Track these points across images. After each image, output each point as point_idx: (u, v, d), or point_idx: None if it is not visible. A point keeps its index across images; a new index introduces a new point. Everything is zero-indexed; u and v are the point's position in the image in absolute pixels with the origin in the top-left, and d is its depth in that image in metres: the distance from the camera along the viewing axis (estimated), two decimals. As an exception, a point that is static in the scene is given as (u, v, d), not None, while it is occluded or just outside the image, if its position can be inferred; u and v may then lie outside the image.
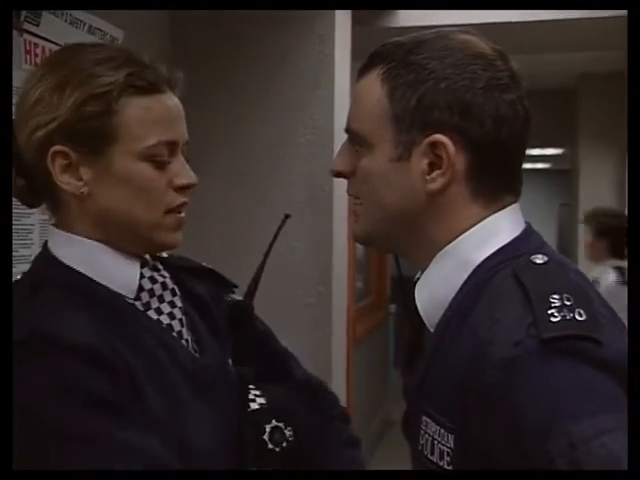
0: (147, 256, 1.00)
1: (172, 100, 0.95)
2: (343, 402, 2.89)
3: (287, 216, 1.19)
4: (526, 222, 0.86)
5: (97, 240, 0.93)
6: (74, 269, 0.93)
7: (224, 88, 2.57)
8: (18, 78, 1.68)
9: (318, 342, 2.57)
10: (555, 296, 0.72)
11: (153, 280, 0.96)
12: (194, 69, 2.64)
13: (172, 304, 0.98)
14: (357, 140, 0.85)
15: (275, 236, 1.18)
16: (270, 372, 1.11)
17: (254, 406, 1.01)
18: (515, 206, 0.85)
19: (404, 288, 0.90)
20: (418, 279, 0.85)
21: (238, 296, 1.15)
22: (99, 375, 0.84)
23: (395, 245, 0.88)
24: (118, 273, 0.94)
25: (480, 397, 0.71)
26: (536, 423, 0.67)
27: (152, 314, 0.95)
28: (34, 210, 1.75)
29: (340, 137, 3.08)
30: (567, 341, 0.69)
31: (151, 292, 0.95)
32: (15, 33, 1.65)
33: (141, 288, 0.94)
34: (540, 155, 7.79)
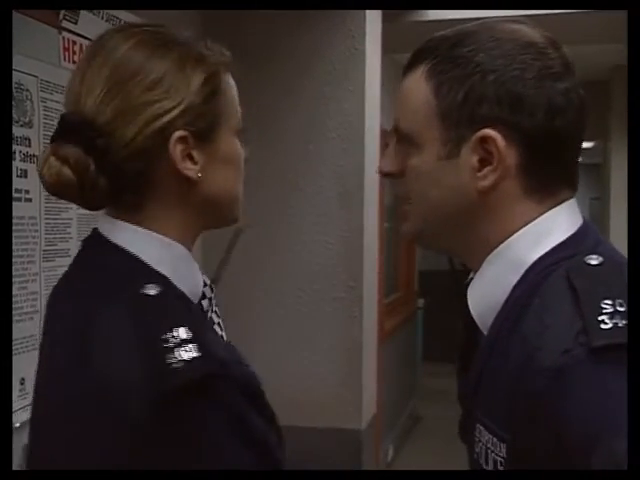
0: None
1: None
2: (373, 397, 2.91)
3: (240, 230, 1.13)
4: (584, 218, 0.82)
5: (179, 241, 0.87)
6: (160, 272, 0.84)
7: (255, 83, 2.59)
8: (57, 76, 1.73)
9: (349, 336, 2.58)
10: (607, 301, 0.68)
11: (212, 288, 0.92)
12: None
13: (217, 314, 0.94)
14: (405, 140, 0.82)
15: (228, 250, 1.13)
16: None
17: None
18: (572, 201, 0.81)
19: (458, 287, 0.88)
20: (471, 279, 0.83)
21: None
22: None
23: (447, 245, 0.86)
24: (191, 277, 0.87)
25: (528, 405, 0.69)
26: (581, 436, 0.65)
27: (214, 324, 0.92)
28: (72, 205, 1.80)
29: (371, 131, 3.08)
30: (618, 350, 0.65)
31: (210, 301, 0.91)
32: (54, 31, 1.68)
33: (203, 295, 0.89)
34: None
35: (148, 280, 0.81)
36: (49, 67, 1.63)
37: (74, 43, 1.76)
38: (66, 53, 1.73)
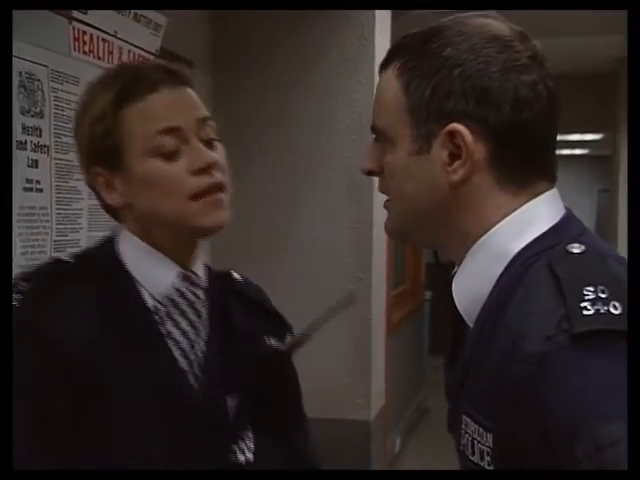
0: (203, 272, 1.03)
1: (170, 95, 1.00)
2: (382, 388, 2.91)
3: (352, 298, 1.16)
4: (566, 208, 0.82)
5: (150, 243, 0.99)
6: (123, 265, 0.99)
7: (265, 74, 2.58)
8: (68, 65, 1.73)
9: (357, 328, 2.58)
10: (589, 288, 0.68)
11: (181, 294, 0.99)
12: (236, 54, 2.66)
13: (191, 324, 1.00)
14: (381, 137, 0.83)
15: (333, 313, 1.13)
16: (277, 428, 1.09)
17: (240, 458, 1.02)
18: (552, 192, 0.81)
19: (445, 280, 0.88)
20: (455, 273, 0.83)
21: (281, 345, 1.13)
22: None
23: (429, 239, 0.87)
24: (151, 275, 0.99)
25: (512, 393, 0.69)
26: (564, 423, 0.64)
27: (169, 325, 0.98)
28: (83, 195, 1.81)
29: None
30: (600, 336, 0.65)
31: (174, 303, 0.99)
32: (65, 21, 1.68)
33: (168, 297, 0.98)
34: (579, 141, 7.66)
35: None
36: (59, 57, 1.63)
37: (84, 33, 1.75)
38: (76, 43, 1.72)
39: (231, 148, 2.59)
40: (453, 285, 0.82)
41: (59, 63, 1.66)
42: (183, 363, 0.98)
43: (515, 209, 0.78)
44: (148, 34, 2.05)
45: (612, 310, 0.67)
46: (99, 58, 1.81)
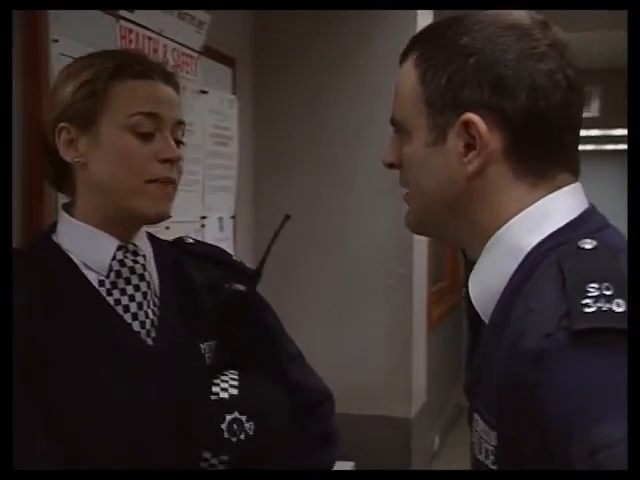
0: (144, 243, 1.10)
1: (161, 87, 1.08)
2: (423, 385, 2.89)
3: (287, 217, 1.18)
4: (590, 204, 0.79)
5: (91, 223, 1.06)
6: (59, 245, 1.06)
7: (307, 73, 2.58)
8: (114, 63, 1.74)
9: (399, 324, 2.57)
10: (594, 285, 0.65)
11: (122, 263, 1.06)
12: (277, 49, 2.66)
13: (136, 288, 1.06)
14: (399, 129, 0.82)
15: (275, 236, 1.17)
16: (264, 365, 1.14)
17: (223, 395, 1.06)
18: (573, 186, 0.78)
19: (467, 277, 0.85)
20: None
21: (240, 286, 1.17)
22: None
23: (447, 233, 0.84)
24: (91, 252, 1.05)
25: (511, 391, 0.67)
26: (560, 424, 0.62)
27: (116, 294, 1.04)
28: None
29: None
30: (601, 334, 0.62)
31: (118, 273, 1.05)
32: (112, 19, 1.70)
33: (111, 268, 1.05)
34: (610, 136, 7.52)
35: None
36: (107, 55, 1.65)
37: (130, 31, 1.77)
38: (123, 41, 1.74)
39: (271, 145, 2.61)
40: (469, 281, 0.80)
41: (107, 61, 1.67)
42: (135, 324, 1.04)
43: (532, 203, 0.76)
44: (192, 32, 2.07)
45: (615, 308, 0.64)
46: (145, 56, 1.83)
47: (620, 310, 0.64)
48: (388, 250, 2.56)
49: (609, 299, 0.64)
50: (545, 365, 0.64)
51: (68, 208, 1.09)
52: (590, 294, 0.65)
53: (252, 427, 1.06)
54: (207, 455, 1.05)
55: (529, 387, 0.65)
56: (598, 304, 0.64)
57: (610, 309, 0.64)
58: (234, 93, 2.41)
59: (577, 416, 0.61)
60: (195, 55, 2.10)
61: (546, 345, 0.64)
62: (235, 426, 1.05)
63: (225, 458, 1.05)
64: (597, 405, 0.61)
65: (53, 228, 1.09)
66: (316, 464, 1.19)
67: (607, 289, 0.65)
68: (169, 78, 1.10)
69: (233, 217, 2.40)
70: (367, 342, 2.61)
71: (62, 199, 1.14)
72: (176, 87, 1.11)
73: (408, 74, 0.80)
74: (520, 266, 0.75)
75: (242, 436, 1.05)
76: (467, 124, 0.75)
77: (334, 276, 2.63)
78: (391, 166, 0.85)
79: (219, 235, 2.31)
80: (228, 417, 1.05)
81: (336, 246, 2.63)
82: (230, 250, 2.37)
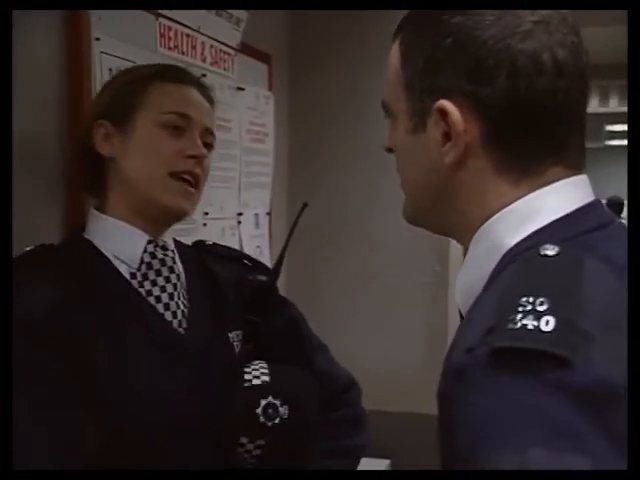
0: (171, 242, 1.14)
1: (195, 93, 1.15)
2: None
3: (305, 205, 1.21)
4: (594, 200, 0.71)
5: (122, 219, 1.10)
6: (90, 241, 1.09)
7: (341, 70, 2.58)
8: (154, 61, 1.74)
9: (435, 321, 2.56)
10: (527, 298, 0.58)
11: (153, 256, 1.10)
12: (312, 47, 2.66)
13: (167, 279, 1.09)
14: (387, 113, 0.77)
15: (294, 225, 1.20)
16: (290, 355, 1.17)
17: (256, 382, 1.09)
18: (567, 181, 0.69)
19: None
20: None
21: (263, 277, 1.21)
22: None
23: (440, 226, 0.78)
24: (122, 245, 1.09)
25: (438, 406, 0.62)
26: (465, 447, 0.57)
27: (147, 285, 1.08)
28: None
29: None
30: (520, 355, 0.55)
31: (149, 265, 1.09)
32: (152, 17, 1.72)
33: (142, 261, 1.08)
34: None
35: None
36: (147, 53, 1.66)
37: (169, 29, 1.79)
38: (162, 39, 1.76)
39: (306, 141, 2.61)
40: (457, 277, 0.75)
41: (146, 59, 1.68)
42: (167, 314, 1.07)
43: (517, 198, 0.69)
44: (230, 29, 2.08)
45: (542, 326, 0.56)
46: (183, 53, 1.85)
47: (547, 329, 0.56)
48: (423, 246, 2.55)
49: (538, 316, 0.57)
50: (462, 382, 0.58)
51: (98, 207, 1.14)
52: (521, 309, 0.58)
53: (286, 411, 1.08)
54: (244, 440, 1.07)
55: (447, 404, 0.61)
56: (524, 321, 0.57)
57: (537, 327, 0.56)
58: (270, 90, 2.41)
59: (481, 441, 0.56)
60: (232, 52, 2.11)
61: (467, 360, 0.58)
62: (270, 410, 1.07)
63: (261, 442, 1.07)
64: (500, 431, 0.54)
65: (82, 228, 1.13)
66: (350, 445, 1.21)
67: (541, 304, 0.57)
68: (204, 89, 1.17)
69: (269, 213, 2.41)
70: (402, 339, 2.60)
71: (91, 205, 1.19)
72: (210, 100, 1.17)
73: (394, 56, 0.75)
74: (496, 267, 0.68)
75: (277, 420, 1.07)
76: (443, 112, 0.68)
77: (368, 273, 2.62)
78: (390, 151, 0.80)
79: (255, 231, 2.32)
80: (263, 402, 1.07)
81: (371, 242, 2.62)
82: (266, 246, 2.39)
